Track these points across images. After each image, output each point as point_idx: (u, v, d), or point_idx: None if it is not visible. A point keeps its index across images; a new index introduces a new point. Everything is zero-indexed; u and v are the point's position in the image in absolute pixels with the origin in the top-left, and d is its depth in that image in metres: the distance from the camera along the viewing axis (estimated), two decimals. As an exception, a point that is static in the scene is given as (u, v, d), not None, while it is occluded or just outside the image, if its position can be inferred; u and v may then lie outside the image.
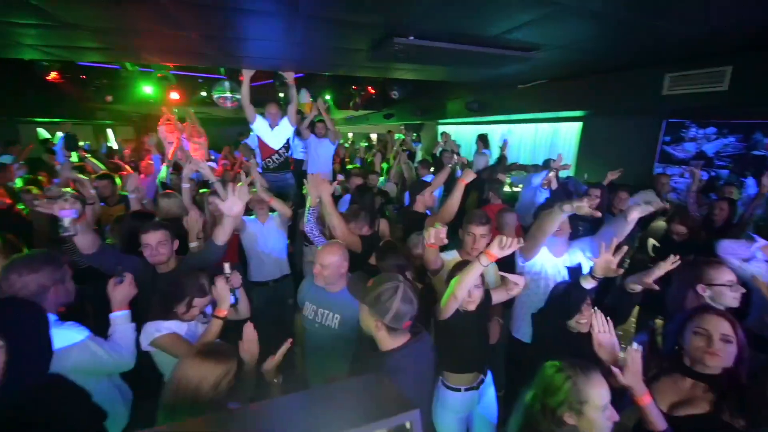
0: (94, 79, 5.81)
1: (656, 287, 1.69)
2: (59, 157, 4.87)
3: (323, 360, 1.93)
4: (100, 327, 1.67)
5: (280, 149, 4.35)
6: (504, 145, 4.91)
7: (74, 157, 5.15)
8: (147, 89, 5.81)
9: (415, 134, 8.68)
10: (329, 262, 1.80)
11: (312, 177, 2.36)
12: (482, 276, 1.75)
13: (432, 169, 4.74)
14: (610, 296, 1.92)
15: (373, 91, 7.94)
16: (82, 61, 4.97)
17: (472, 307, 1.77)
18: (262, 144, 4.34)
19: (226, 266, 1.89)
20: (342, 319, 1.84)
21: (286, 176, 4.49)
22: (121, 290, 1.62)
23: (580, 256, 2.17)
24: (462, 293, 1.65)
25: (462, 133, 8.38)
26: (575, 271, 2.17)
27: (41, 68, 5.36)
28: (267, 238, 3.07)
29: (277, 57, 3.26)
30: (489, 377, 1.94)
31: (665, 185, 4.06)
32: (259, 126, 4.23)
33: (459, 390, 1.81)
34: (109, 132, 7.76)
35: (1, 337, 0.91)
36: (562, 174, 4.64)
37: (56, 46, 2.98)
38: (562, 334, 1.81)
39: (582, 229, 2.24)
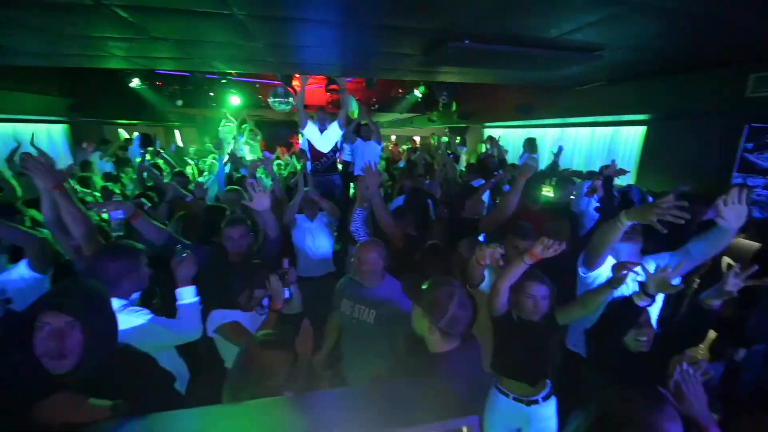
0: (167, 86, 6.45)
1: (734, 294, 1.50)
2: (133, 156, 5.46)
3: (360, 355, 1.98)
4: (166, 307, 1.83)
5: (329, 153, 4.54)
6: (558, 152, 4.67)
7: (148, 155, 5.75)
8: (211, 93, 6.33)
9: (458, 137, 8.55)
10: (367, 258, 1.88)
11: (365, 169, 2.45)
12: (549, 289, 1.71)
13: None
14: (682, 314, 1.76)
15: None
16: (159, 69, 5.55)
17: (535, 318, 1.72)
18: (311, 147, 4.56)
19: (285, 262, 2.02)
20: (377, 315, 1.90)
21: (333, 177, 4.68)
22: (184, 267, 1.73)
23: None
24: (503, 287, 1.69)
25: (509, 136, 8.10)
26: None
27: (124, 76, 6.06)
28: (315, 235, 3.22)
29: (332, 63, 3.39)
30: (553, 404, 1.82)
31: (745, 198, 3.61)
32: (310, 130, 4.44)
33: (507, 396, 1.78)
34: (177, 133, 8.55)
35: (75, 318, 1.01)
36: (621, 181, 4.34)
37: (141, 56, 3.34)
38: (620, 353, 1.71)
39: (653, 245, 2.04)
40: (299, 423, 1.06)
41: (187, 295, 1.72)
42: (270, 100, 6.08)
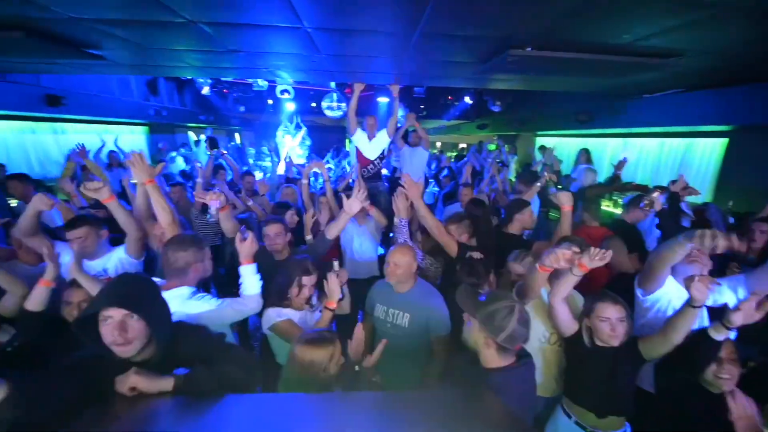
0: (232, 92, 7.03)
1: None
2: (199, 157, 5.98)
3: (395, 359, 1.96)
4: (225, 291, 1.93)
5: (375, 160, 4.63)
6: (620, 164, 4.34)
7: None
8: (269, 101, 6.78)
9: (508, 146, 8.28)
10: (402, 262, 1.92)
11: (405, 180, 2.49)
12: (625, 308, 1.61)
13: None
14: (757, 349, 1.56)
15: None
16: (226, 78, 6.06)
17: (614, 342, 1.61)
18: (359, 154, 4.67)
19: (336, 263, 2.09)
20: (411, 319, 1.94)
21: (379, 184, 4.75)
22: (246, 246, 1.83)
23: (729, 296, 1.81)
24: (556, 302, 1.64)
25: (564, 146, 7.69)
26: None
27: (197, 84, 6.68)
28: (362, 239, 3.30)
29: (387, 72, 3.47)
30: None
31: None
32: (358, 138, 4.56)
33: (569, 417, 1.69)
34: (237, 135, 9.25)
35: (132, 310, 1.12)
36: (695, 199, 3.93)
37: (213, 66, 3.66)
38: (695, 391, 1.54)
39: (739, 270, 1.84)
40: (352, 422, 1.08)
41: (248, 271, 1.82)
42: (324, 107, 6.36)
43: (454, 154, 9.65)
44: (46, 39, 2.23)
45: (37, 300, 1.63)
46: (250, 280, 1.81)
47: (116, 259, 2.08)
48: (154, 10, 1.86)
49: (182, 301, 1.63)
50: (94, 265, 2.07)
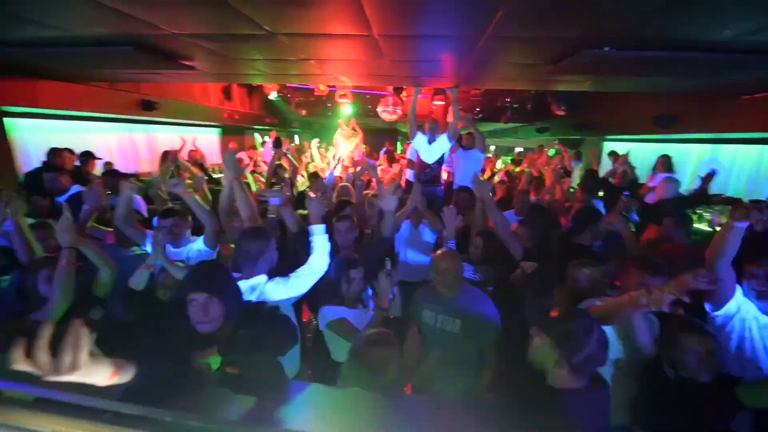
0: (295, 97, 7.49)
1: None
2: (266, 156, 6.42)
3: (446, 365, 1.94)
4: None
5: (433, 164, 4.60)
6: (708, 177, 3.86)
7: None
8: (329, 104, 7.11)
9: (573, 151, 7.74)
10: (450, 267, 1.93)
11: (475, 179, 2.57)
12: (712, 338, 1.45)
13: (601, 194, 4.15)
14: None
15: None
16: (291, 83, 6.46)
17: (704, 378, 1.44)
18: (417, 158, 4.68)
19: (388, 263, 2.13)
20: (462, 324, 1.92)
21: (435, 189, 4.71)
22: (316, 206, 2.04)
23: None
24: (636, 316, 1.49)
25: (636, 152, 6.99)
26: None
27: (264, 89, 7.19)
28: (417, 242, 3.31)
29: (448, 75, 3.44)
30: None
31: None
32: (418, 141, 4.56)
33: None
34: (296, 137, 9.83)
35: (213, 294, 1.28)
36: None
37: (282, 73, 3.91)
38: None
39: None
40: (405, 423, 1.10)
41: (318, 230, 1.99)
42: (380, 110, 6.51)
43: (510, 158, 9.25)
44: (152, 52, 2.54)
45: (138, 280, 1.89)
46: (320, 238, 1.97)
47: (195, 250, 2.32)
48: (241, 24, 2.04)
49: (261, 288, 1.78)
50: (178, 252, 2.32)
